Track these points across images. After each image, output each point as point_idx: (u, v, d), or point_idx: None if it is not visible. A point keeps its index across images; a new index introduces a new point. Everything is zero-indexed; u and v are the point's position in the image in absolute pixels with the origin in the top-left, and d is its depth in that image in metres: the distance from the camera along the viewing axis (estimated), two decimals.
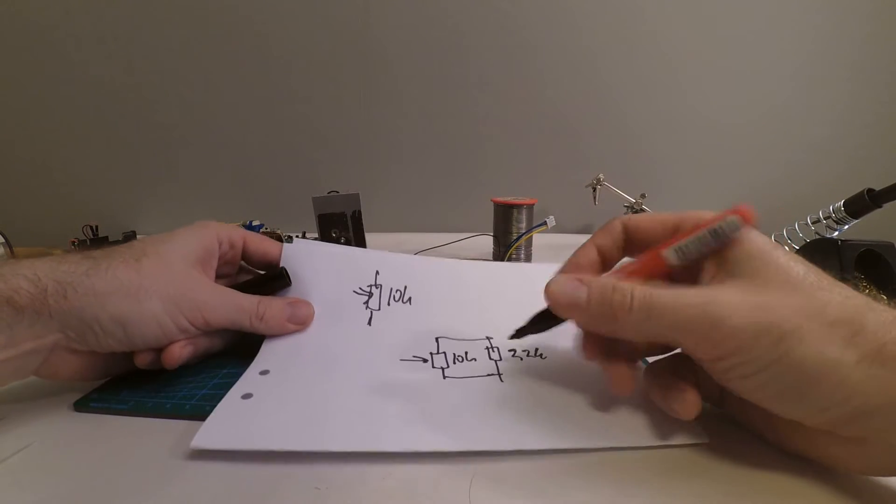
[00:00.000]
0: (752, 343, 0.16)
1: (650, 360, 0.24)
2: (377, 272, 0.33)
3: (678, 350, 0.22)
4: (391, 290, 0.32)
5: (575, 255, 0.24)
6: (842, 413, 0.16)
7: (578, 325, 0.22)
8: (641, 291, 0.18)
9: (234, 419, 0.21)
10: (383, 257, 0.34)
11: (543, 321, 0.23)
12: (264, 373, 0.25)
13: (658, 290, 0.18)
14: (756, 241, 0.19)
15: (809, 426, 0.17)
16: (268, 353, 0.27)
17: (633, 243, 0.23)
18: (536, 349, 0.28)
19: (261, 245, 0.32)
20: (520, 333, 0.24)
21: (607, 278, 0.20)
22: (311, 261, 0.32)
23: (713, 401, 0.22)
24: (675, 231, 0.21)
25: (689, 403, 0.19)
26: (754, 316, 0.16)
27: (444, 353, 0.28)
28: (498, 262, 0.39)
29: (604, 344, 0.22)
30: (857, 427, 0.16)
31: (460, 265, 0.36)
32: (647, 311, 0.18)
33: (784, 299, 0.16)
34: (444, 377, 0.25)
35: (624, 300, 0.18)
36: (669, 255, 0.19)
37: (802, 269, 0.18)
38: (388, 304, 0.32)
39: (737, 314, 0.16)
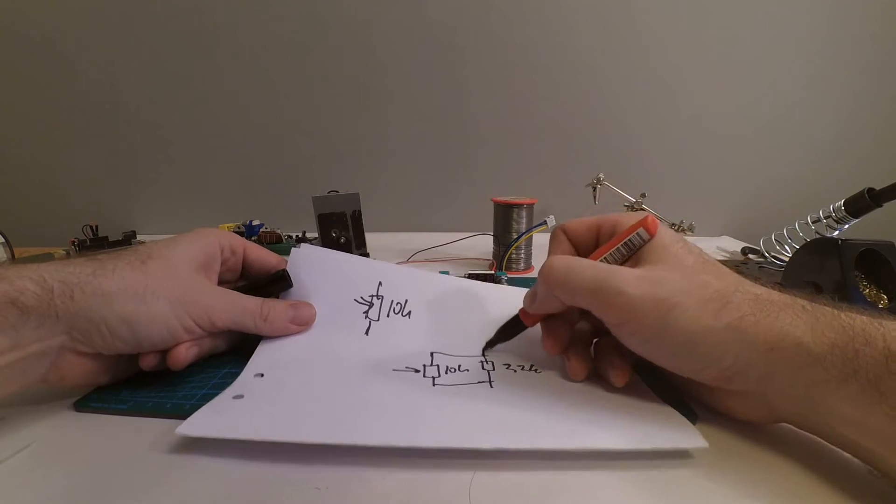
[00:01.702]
0: (646, 311, 0.20)
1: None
2: (380, 283, 0.33)
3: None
4: (392, 302, 0.32)
5: (549, 254, 0.28)
6: (719, 369, 0.20)
7: (536, 319, 0.27)
8: (565, 258, 0.24)
9: (222, 413, 0.21)
10: (387, 269, 0.34)
11: (510, 328, 0.28)
12: (258, 376, 0.25)
13: (579, 259, 0.23)
14: (661, 235, 0.23)
15: (706, 383, 0.21)
16: (263, 356, 0.27)
17: (573, 243, 0.28)
18: (531, 364, 0.28)
19: (260, 254, 0.33)
20: (490, 344, 0.29)
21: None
22: (317, 267, 0.32)
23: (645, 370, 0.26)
24: (597, 231, 0.27)
25: (619, 375, 0.24)
26: (648, 290, 0.20)
27: (437, 365, 0.27)
28: (502, 285, 0.39)
29: (563, 337, 0.26)
30: (737, 382, 0.20)
31: (464, 284, 0.36)
32: (567, 273, 0.23)
33: (674, 280, 0.21)
34: (434, 385, 0.25)
35: (552, 265, 0.23)
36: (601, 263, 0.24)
37: (692, 258, 0.22)
38: (388, 315, 0.32)
39: (633, 287, 0.21)
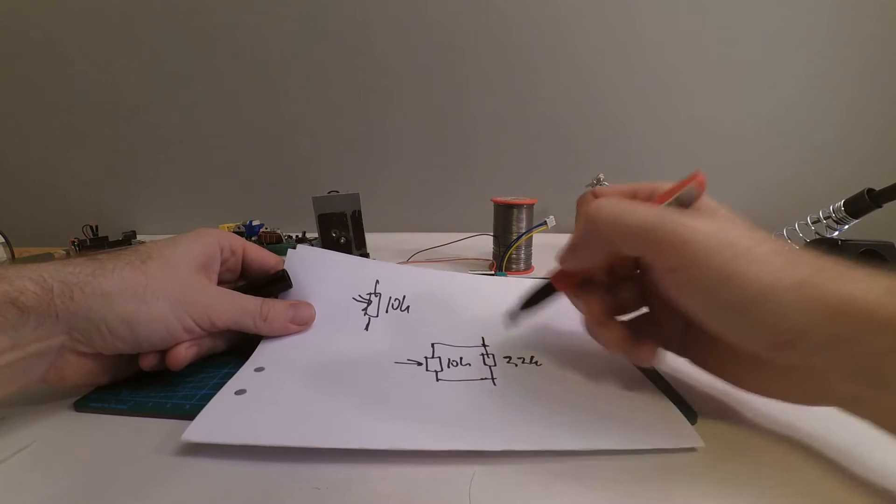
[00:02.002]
0: (712, 253, 0.18)
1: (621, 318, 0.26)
2: (377, 281, 0.33)
3: (644, 310, 0.26)
4: (390, 298, 0.33)
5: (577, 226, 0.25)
6: (781, 331, 0.17)
7: (570, 283, 0.24)
8: (612, 200, 0.21)
9: (226, 414, 0.21)
10: (384, 267, 0.35)
11: (539, 295, 0.26)
12: (259, 369, 0.25)
13: (629, 200, 0.21)
14: (707, 201, 0.21)
15: (758, 351, 0.19)
16: (264, 352, 0.27)
17: None
18: (532, 357, 0.28)
19: (259, 255, 0.33)
20: (513, 315, 0.27)
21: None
22: (314, 266, 0.33)
23: (675, 349, 0.25)
24: (633, 197, 0.24)
25: (648, 352, 0.22)
26: (717, 232, 0.18)
27: (439, 357, 0.28)
28: (497, 276, 0.40)
29: (604, 303, 0.24)
30: (796, 349, 0.17)
31: (460, 277, 0.36)
32: (620, 210, 0.20)
33: (737, 228, 0.19)
34: (438, 380, 0.25)
35: (600, 205, 0.21)
36: None
37: (744, 221, 0.20)
38: (387, 311, 0.32)
39: (703, 228, 0.18)
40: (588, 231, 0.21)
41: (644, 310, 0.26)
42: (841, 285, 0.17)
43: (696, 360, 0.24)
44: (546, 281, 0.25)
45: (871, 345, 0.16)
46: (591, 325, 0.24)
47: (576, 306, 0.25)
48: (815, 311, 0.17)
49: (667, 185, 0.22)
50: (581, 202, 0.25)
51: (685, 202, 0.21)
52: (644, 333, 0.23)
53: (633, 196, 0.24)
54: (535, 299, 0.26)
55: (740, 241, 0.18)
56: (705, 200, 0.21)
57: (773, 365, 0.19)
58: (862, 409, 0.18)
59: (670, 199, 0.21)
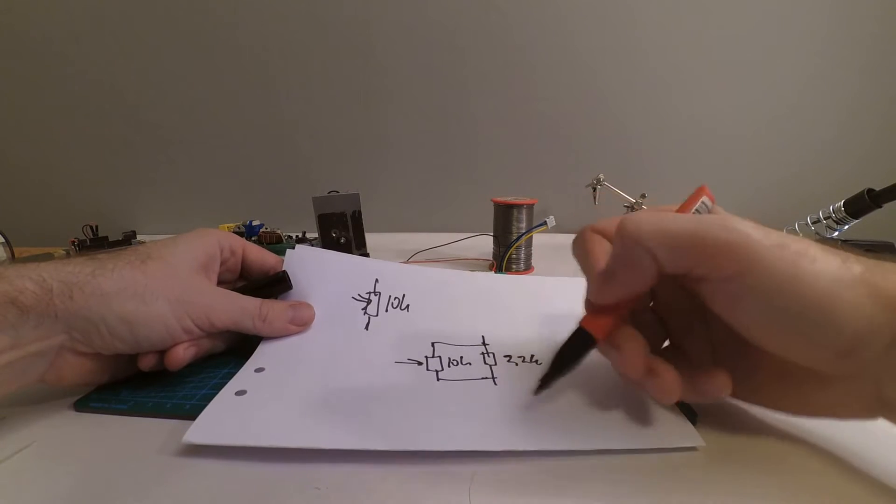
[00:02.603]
0: (774, 257, 0.16)
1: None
2: (376, 280, 0.33)
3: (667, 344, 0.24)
4: (389, 297, 0.33)
5: (592, 263, 0.21)
6: (848, 338, 0.15)
7: (607, 325, 0.21)
8: (644, 213, 0.19)
9: (226, 415, 0.21)
10: (383, 266, 0.35)
11: (572, 349, 0.21)
12: (259, 370, 0.25)
13: (665, 214, 0.18)
14: (724, 212, 0.20)
15: (799, 368, 0.17)
16: (264, 353, 0.27)
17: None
18: (532, 356, 0.28)
19: (259, 255, 0.33)
20: (545, 381, 0.22)
21: None
22: (313, 266, 0.33)
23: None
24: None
25: (672, 381, 0.19)
26: (768, 233, 0.16)
27: (440, 356, 0.28)
28: (496, 273, 0.40)
29: (643, 348, 0.20)
30: (857, 357, 0.16)
31: (459, 275, 0.36)
32: (658, 220, 0.18)
33: (779, 233, 0.17)
34: (438, 379, 0.25)
35: (636, 221, 0.18)
36: None
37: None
38: (387, 310, 0.32)
39: (754, 231, 0.16)
40: (628, 248, 0.18)
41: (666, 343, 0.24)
42: None
43: (738, 390, 0.21)
44: (577, 328, 0.21)
45: None
46: (637, 376, 0.20)
47: (611, 358, 0.21)
48: (884, 308, 0.15)
49: (672, 207, 0.21)
50: (582, 239, 0.22)
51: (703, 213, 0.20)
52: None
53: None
54: (569, 357, 0.21)
55: (793, 242, 0.16)
56: (723, 213, 0.20)
57: (820, 380, 0.18)
58: None
59: (691, 213, 0.20)
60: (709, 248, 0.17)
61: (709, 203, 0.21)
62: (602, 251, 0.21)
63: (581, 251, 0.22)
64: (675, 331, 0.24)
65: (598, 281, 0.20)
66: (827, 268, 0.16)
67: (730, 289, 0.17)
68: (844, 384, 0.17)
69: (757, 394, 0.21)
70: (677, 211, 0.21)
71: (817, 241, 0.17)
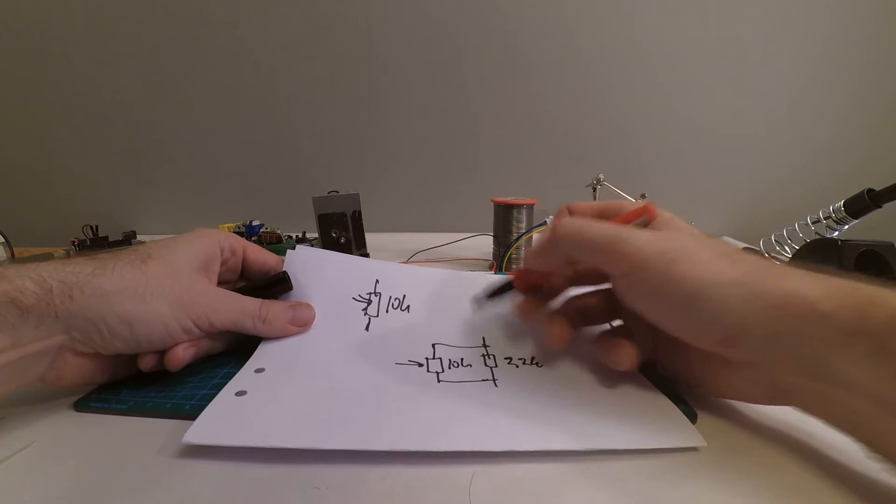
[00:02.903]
0: (653, 260, 0.20)
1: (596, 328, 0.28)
2: (377, 281, 0.33)
3: (618, 323, 0.28)
4: (390, 298, 0.33)
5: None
6: (724, 327, 0.19)
7: (527, 284, 0.28)
8: (576, 218, 0.25)
9: (226, 416, 0.21)
10: (384, 267, 0.35)
11: (501, 289, 0.29)
12: (259, 371, 0.25)
13: (591, 220, 0.24)
14: (664, 213, 0.24)
15: (707, 348, 0.20)
16: (264, 353, 0.27)
17: None
18: (532, 357, 0.28)
19: (259, 255, 0.33)
20: (479, 300, 0.30)
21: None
22: (313, 267, 0.33)
23: (648, 354, 0.26)
24: (600, 215, 0.27)
25: (626, 354, 0.24)
26: (656, 241, 0.21)
27: (440, 358, 0.28)
28: (497, 273, 0.40)
29: (539, 302, 0.28)
30: (742, 344, 0.19)
31: (460, 276, 0.36)
32: (579, 226, 0.23)
33: (682, 238, 0.21)
34: (439, 381, 0.25)
35: (565, 221, 0.24)
36: None
37: (696, 231, 0.23)
38: (387, 311, 0.32)
39: (642, 238, 0.21)
40: (551, 240, 0.24)
41: (618, 322, 0.29)
42: (781, 281, 0.18)
43: (667, 365, 0.26)
44: (509, 278, 0.29)
45: (813, 336, 0.17)
46: (527, 318, 0.28)
47: (517, 306, 0.28)
48: (756, 306, 0.18)
49: (631, 206, 0.26)
50: (557, 213, 0.29)
51: (639, 226, 0.24)
52: (620, 339, 0.25)
53: (601, 214, 0.27)
54: (497, 292, 0.29)
55: (675, 248, 0.20)
56: (664, 215, 0.24)
57: (730, 365, 0.21)
58: (812, 405, 0.19)
59: (631, 224, 0.24)
60: (607, 252, 0.22)
61: (644, 221, 0.24)
62: None
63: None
64: (628, 318, 0.28)
65: (530, 252, 0.27)
66: (701, 270, 0.19)
67: (624, 282, 0.22)
68: (747, 371, 0.21)
69: (687, 373, 0.24)
70: (618, 220, 0.25)
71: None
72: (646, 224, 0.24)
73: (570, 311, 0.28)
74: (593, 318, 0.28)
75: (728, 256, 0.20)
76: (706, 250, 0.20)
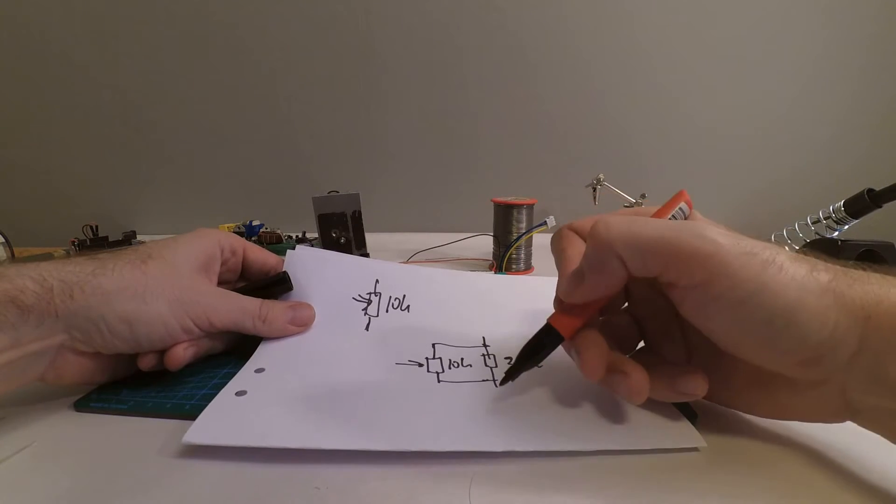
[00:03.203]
0: (742, 264, 0.16)
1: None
2: (377, 280, 0.33)
3: (641, 345, 0.24)
4: (390, 297, 0.33)
5: (566, 263, 0.22)
6: (814, 345, 0.16)
7: (575, 325, 0.21)
8: (617, 216, 0.19)
9: (226, 416, 0.21)
10: (383, 266, 0.35)
11: (538, 345, 0.21)
12: (259, 371, 0.25)
13: (633, 216, 0.19)
14: (700, 217, 0.21)
15: (771, 373, 0.17)
16: (264, 353, 0.27)
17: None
18: None
19: (260, 255, 0.33)
20: (512, 373, 0.22)
21: None
22: (313, 267, 0.33)
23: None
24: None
25: (693, 377, 0.20)
26: (738, 242, 0.17)
27: (440, 358, 0.28)
28: (496, 274, 0.40)
29: (605, 350, 0.20)
30: (825, 363, 0.16)
31: (459, 276, 0.36)
32: (629, 224, 0.18)
33: (745, 238, 0.17)
34: (439, 381, 0.25)
35: (607, 224, 0.18)
36: None
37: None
38: (387, 311, 0.32)
39: (725, 239, 0.17)
40: (598, 251, 0.18)
41: (641, 344, 0.24)
42: (865, 287, 0.16)
43: (712, 392, 0.21)
44: (546, 325, 0.21)
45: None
46: (595, 378, 0.20)
47: (574, 359, 0.21)
48: (850, 316, 0.15)
49: (651, 209, 0.22)
50: (559, 237, 0.23)
51: (680, 218, 0.21)
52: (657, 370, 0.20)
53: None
54: (535, 353, 0.21)
55: (762, 251, 0.16)
56: (698, 216, 0.21)
57: (795, 385, 0.18)
58: (880, 422, 0.17)
59: (668, 217, 0.20)
60: (676, 256, 0.17)
61: (686, 209, 0.21)
62: (576, 251, 0.22)
63: (556, 249, 0.23)
64: (651, 333, 0.24)
65: (568, 281, 0.20)
66: (794, 277, 0.16)
67: (697, 296, 0.17)
68: (814, 390, 0.18)
69: (731, 397, 0.21)
70: (654, 215, 0.21)
71: (805, 245, 0.17)
72: (685, 218, 0.20)
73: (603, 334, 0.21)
74: (625, 342, 0.24)
75: (802, 261, 0.16)
76: (783, 252, 0.16)
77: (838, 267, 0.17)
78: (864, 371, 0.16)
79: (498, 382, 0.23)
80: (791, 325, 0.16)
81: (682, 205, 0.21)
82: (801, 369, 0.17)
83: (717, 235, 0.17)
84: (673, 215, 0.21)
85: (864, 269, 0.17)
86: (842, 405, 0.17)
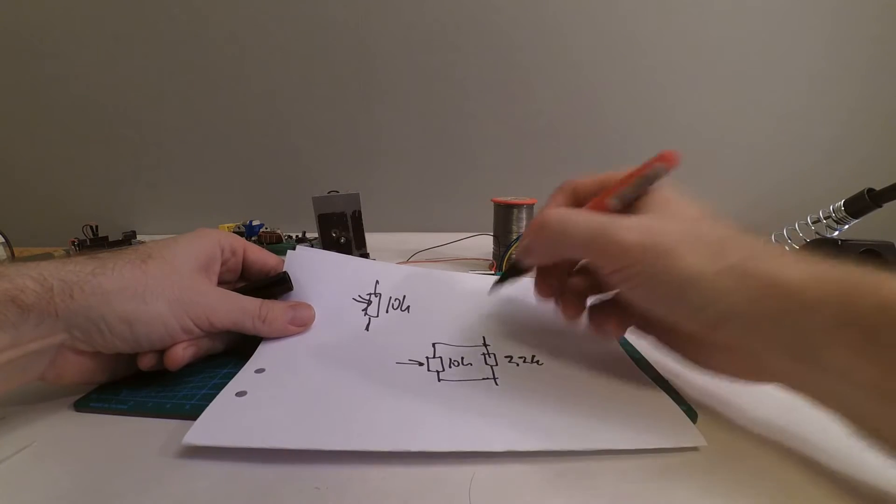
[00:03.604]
0: (640, 257, 0.20)
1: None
2: (377, 281, 0.33)
3: (612, 293, 0.26)
4: (390, 298, 0.33)
5: (546, 205, 0.27)
6: (712, 314, 0.19)
7: (533, 263, 0.27)
8: (560, 211, 0.23)
9: (227, 416, 0.21)
10: (384, 267, 0.35)
11: (513, 272, 0.29)
12: (259, 371, 0.25)
13: (575, 211, 0.23)
14: (665, 189, 0.23)
15: (694, 331, 0.21)
16: (264, 353, 0.27)
17: (577, 198, 0.27)
18: (533, 356, 0.28)
19: (260, 255, 0.33)
20: (496, 287, 0.30)
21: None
22: (313, 267, 0.33)
23: (641, 327, 0.26)
24: (602, 185, 0.26)
25: (616, 321, 0.24)
26: (643, 236, 0.20)
27: (440, 357, 0.28)
28: (497, 273, 0.40)
29: (554, 285, 0.27)
30: (728, 330, 0.19)
31: (459, 277, 0.36)
32: (562, 224, 0.23)
33: (670, 227, 0.21)
34: (439, 380, 0.25)
35: (547, 217, 0.23)
36: (612, 200, 0.24)
37: (693, 209, 0.22)
38: (387, 311, 0.32)
39: (629, 233, 0.21)
40: (536, 238, 0.24)
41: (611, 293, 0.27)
42: (769, 266, 0.18)
43: (659, 338, 0.26)
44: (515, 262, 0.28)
45: (799, 323, 0.17)
46: (545, 297, 0.27)
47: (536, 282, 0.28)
48: (743, 294, 0.18)
49: (619, 175, 0.24)
50: (555, 191, 0.28)
51: (651, 179, 0.23)
52: (609, 312, 0.25)
53: (603, 185, 0.25)
54: (511, 274, 0.29)
55: (663, 242, 0.20)
56: (663, 192, 0.23)
57: (718, 345, 0.21)
58: (798, 386, 0.19)
59: (635, 180, 0.23)
60: (596, 250, 0.22)
61: (654, 174, 0.23)
62: (557, 203, 0.27)
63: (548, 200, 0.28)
64: (604, 287, 0.27)
65: (518, 251, 0.27)
66: (690, 264, 0.19)
67: (615, 277, 0.22)
68: (735, 351, 0.21)
69: (679, 346, 0.24)
70: (621, 179, 0.24)
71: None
72: (657, 177, 0.23)
73: (576, 286, 0.27)
74: (592, 291, 0.27)
75: (718, 244, 0.20)
76: (692, 240, 0.20)
77: (755, 249, 0.19)
78: (772, 338, 0.18)
79: (487, 293, 0.31)
80: (687, 298, 0.20)
81: (658, 166, 0.23)
82: (709, 332, 0.20)
83: (627, 232, 0.21)
84: (646, 175, 0.23)
85: (782, 252, 0.19)
86: (762, 367, 0.20)
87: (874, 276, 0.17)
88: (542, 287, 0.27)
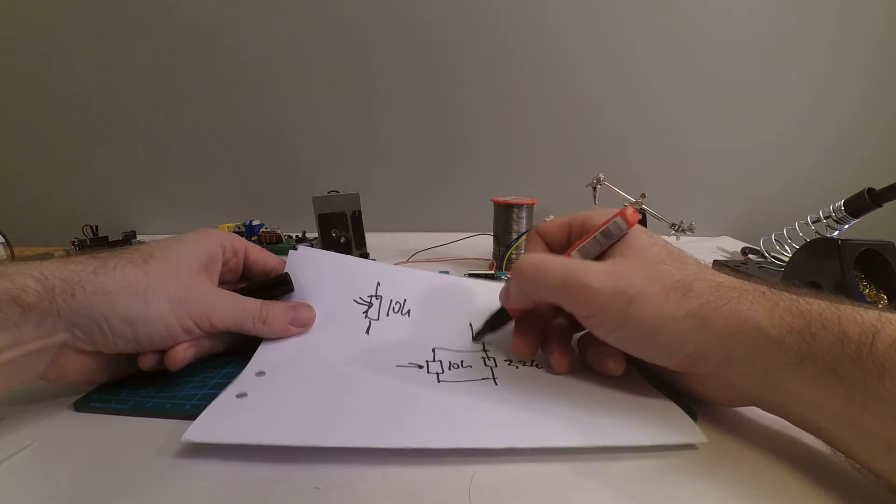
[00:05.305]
0: (610, 303, 0.21)
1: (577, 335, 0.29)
2: (378, 283, 0.33)
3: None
4: (391, 301, 0.33)
5: (525, 250, 0.30)
6: (683, 356, 0.20)
7: (519, 312, 0.28)
8: (535, 256, 0.25)
9: (227, 415, 0.21)
10: (385, 270, 0.35)
11: (497, 319, 0.29)
12: (260, 374, 0.25)
13: (550, 257, 0.25)
14: (635, 233, 0.24)
15: (671, 368, 0.22)
16: (264, 356, 0.27)
17: (547, 242, 0.29)
18: (532, 359, 0.28)
19: (261, 256, 0.33)
20: (479, 335, 0.30)
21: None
22: (314, 269, 0.33)
23: (629, 358, 0.26)
24: (568, 230, 0.28)
25: (614, 360, 0.24)
26: (611, 283, 0.21)
27: (440, 360, 0.28)
28: (497, 273, 0.40)
29: (534, 339, 0.27)
30: (700, 366, 0.21)
31: (460, 281, 0.36)
32: (536, 271, 0.24)
33: (636, 272, 0.22)
34: (439, 381, 0.25)
35: (522, 264, 0.25)
36: (575, 255, 0.25)
37: (655, 248, 0.23)
38: (388, 314, 0.32)
39: (596, 280, 0.22)
40: (515, 284, 0.26)
41: None
42: (733, 308, 0.19)
43: (644, 365, 0.26)
44: (501, 307, 0.29)
45: (764, 359, 0.18)
46: (525, 354, 0.27)
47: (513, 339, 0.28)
48: (708, 336, 0.19)
49: (597, 215, 0.26)
50: (527, 241, 0.29)
51: (612, 235, 0.24)
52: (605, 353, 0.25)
53: (569, 229, 0.27)
54: (495, 323, 0.29)
55: (630, 286, 0.21)
56: (631, 234, 0.24)
57: (696, 376, 0.22)
58: (774, 410, 0.20)
59: (596, 233, 0.24)
60: (568, 297, 0.23)
61: (622, 225, 0.24)
62: (533, 250, 0.29)
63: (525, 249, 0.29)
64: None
65: (501, 294, 0.28)
66: (655, 310, 0.20)
67: (587, 322, 0.23)
68: (713, 380, 0.21)
69: (672, 380, 0.25)
70: (591, 230, 0.25)
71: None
72: (620, 232, 0.24)
73: (559, 328, 0.28)
74: (577, 327, 0.28)
75: (681, 288, 0.20)
76: (658, 285, 0.21)
77: (716, 292, 0.20)
78: (738, 370, 0.20)
79: (472, 340, 0.30)
80: (656, 342, 0.21)
81: (616, 221, 0.24)
82: (682, 369, 0.21)
83: (597, 280, 0.22)
84: (605, 230, 0.24)
85: (743, 293, 0.20)
86: (737, 394, 0.21)
87: (833, 308, 0.18)
88: (520, 342, 0.27)
